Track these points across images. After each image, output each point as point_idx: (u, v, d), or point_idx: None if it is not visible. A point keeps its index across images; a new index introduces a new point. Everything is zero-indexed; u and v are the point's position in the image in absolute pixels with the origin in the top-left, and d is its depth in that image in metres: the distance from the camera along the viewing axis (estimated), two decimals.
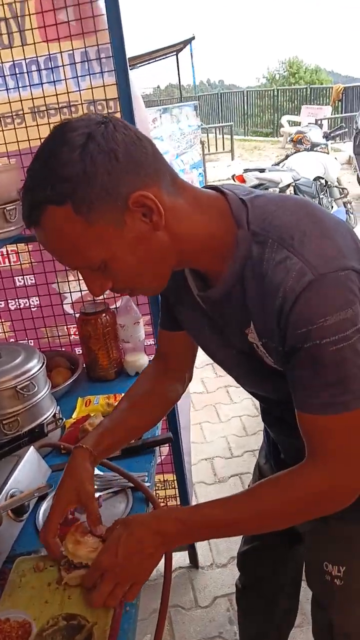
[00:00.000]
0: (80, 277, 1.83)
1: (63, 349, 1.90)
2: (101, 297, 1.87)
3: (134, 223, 0.76)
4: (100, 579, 0.88)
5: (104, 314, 1.71)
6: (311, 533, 1.13)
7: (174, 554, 1.14)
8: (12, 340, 1.93)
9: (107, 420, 1.11)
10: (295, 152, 6.23)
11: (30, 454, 1.24)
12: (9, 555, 1.07)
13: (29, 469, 1.21)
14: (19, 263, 1.82)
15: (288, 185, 5.47)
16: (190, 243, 0.82)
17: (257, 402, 1.14)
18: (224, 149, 13.00)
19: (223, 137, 13.32)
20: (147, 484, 1.24)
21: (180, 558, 2.15)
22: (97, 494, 1.23)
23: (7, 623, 0.86)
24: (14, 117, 1.70)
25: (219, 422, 3.12)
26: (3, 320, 1.91)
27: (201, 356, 1.16)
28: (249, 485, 1.38)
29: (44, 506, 1.23)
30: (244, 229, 0.81)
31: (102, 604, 0.89)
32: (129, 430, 1.14)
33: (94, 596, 0.88)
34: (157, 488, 2.06)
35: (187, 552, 2.16)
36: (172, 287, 0.89)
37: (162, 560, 0.95)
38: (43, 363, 1.42)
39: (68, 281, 1.83)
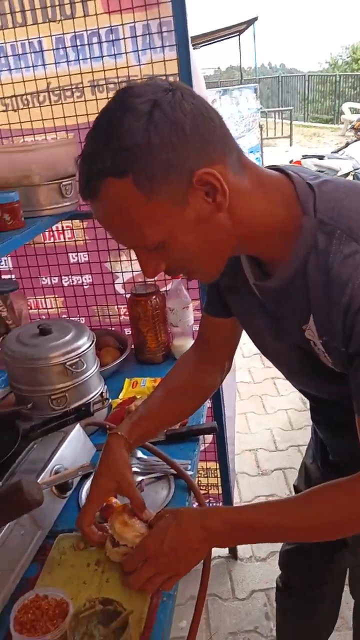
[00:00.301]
0: (133, 257, 1.83)
1: (113, 329, 1.89)
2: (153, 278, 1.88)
3: (196, 202, 0.71)
4: (141, 564, 0.87)
5: (154, 296, 1.68)
6: (357, 538, 1.07)
7: None
8: (64, 316, 1.93)
9: (142, 407, 1.07)
10: (355, 140, 6.00)
11: (76, 432, 1.23)
12: (50, 530, 1.07)
13: (75, 446, 1.20)
14: (73, 240, 1.81)
15: (347, 174, 5.28)
16: (252, 227, 0.76)
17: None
18: (282, 134, 12.71)
19: (282, 122, 13.02)
20: (189, 473, 1.21)
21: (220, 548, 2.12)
22: (139, 478, 1.21)
23: (45, 600, 0.85)
24: (74, 90, 1.67)
25: (265, 414, 3.06)
26: (56, 296, 1.91)
27: (249, 345, 1.10)
28: (294, 485, 1.33)
29: (87, 485, 1.22)
30: (310, 215, 0.74)
31: (139, 588, 0.88)
32: (164, 419, 1.10)
33: (132, 579, 0.87)
34: (199, 475, 2.04)
35: None
36: (226, 272, 0.84)
37: None
38: (93, 341, 1.40)
39: (120, 261, 1.81)
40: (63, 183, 1.50)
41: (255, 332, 0.95)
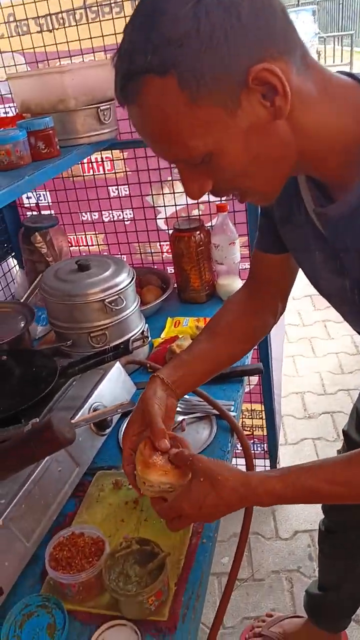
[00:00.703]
0: (177, 190, 1.73)
1: (155, 267, 1.82)
2: (197, 214, 1.78)
3: (251, 106, 0.60)
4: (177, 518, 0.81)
5: (198, 232, 1.59)
6: None
7: None
8: (105, 253, 1.87)
9: (186, 352, 1.00)
10: None
11: (116, 369, 1.19)
12: (89, 467, 1.05)
13: (114, 384, 1.17)
14: (113, 172, 1.72)
15: None
16: (316, 141, 0.65)
17: (359, 340, 0.97)
18: (342, 61, 11.79)
19: (342, 48, 12.05)
20: (232, 414, 1.16)
21: None
22: (180, 418, 1.17)
23: (81, 537, 0.84)
24: (112, 5, 1.53)
25: (314, 357, 2.96)
26: (97, 233, 1.85)
27: (299, 285, 1.01)
28: (343, 430, 1.26)
29: (127, 422, 1.19)
30: None
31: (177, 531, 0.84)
32: (210, 363, 1.01)
33: (167, 525, 0.82)
34: (243, 417, 2.00)
35: None
36: (280, 198, 0.74)
37: None
38: (133, 278, 1.34)
39: (162, 194, 1.71)
40: (101, 108, 1.39)
41: (312, 268, 0.85)
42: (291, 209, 0.80)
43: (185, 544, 0.87)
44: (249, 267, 1.07)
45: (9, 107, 1.70)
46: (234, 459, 1.72)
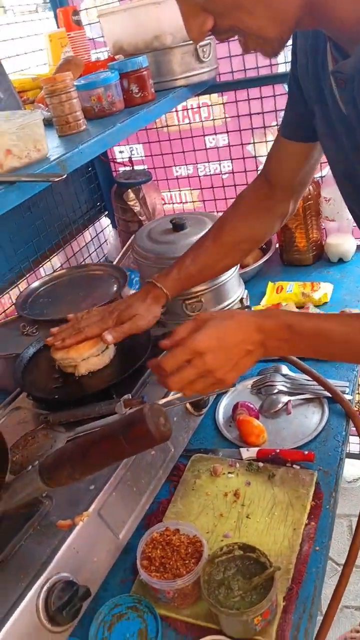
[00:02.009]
0: None
1: None
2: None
3: None
4: (184, 365, 0.71)
5: None
6: None
7: None
8: (200, 211, 1.73)
9: (191, 261, 1.01)
10: None
11: None
12: (185, 449, 0.96)
13: None
14: (210, 119, 1.55)
15: None
16: None
17: None
18: None
19: None
20: (347, 397, 1.01)
21: None
22: (285, 398, 1.04)
23: (176, 534, 0.75)
24: None
25: None
26: (192, 188, 1.71)
27: None
28: None
29: (225, 402, 1.08)
30: None
31: (179, 389, 0.74)
32: (210, 276, 1.07)
33: (170, 380, 0.71)
34: None
35: None
36: (310, 74, 0.71)
37: None
38: None
39: (266, 141, 1.53)
40: (200, 44, 1.23)
41: (337, 153, 0.77)
42: (321, 86, 0.74)
43: (294, 550, 0.75)
44: None
45: (101, 51, 1.58)
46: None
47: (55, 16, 1.47)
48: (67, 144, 0.89)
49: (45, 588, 0.66)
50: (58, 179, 0.72)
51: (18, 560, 0.70)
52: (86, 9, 1.56)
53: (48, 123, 0.94)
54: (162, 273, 1.01)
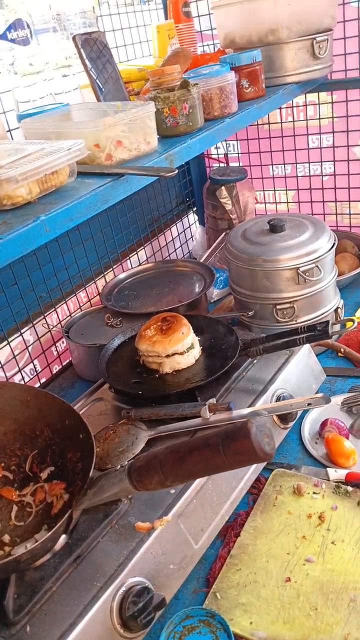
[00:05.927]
0: None
1: (352, 231, 1.57)
2: None
3: None
4: None
5: None
6: None
7: None
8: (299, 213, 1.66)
9: None
10: None
11: (305, 352, 1.02)
12: (268, 462, 0.92)
13: (301, 370, 1.00)
14: (316, 117, 1.48)
15: None
16: None
17: None
18: None
19: None
20: None
21: None
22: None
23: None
24: None
25: None
26: (287, 189, 1.64)
27: None
28: None
29: (311, 416, 1.03)
30: None
31: None
32: None
33: None
34: None
35: None
36: None
37: None
38: (334, 244, 1.13)
39: None
40: (317, 39, 1.17)
41: None
42: None
43: None
44: None
45: (207, 44, 1.55)
46: None
47: (165, 7, 1.45)
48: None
49: (120, 591, 0.65)
50: (169, 174, 0.70)
51: (94, 557, 0.69)
52: (196, 0, 1.53)
53: None
54: None
